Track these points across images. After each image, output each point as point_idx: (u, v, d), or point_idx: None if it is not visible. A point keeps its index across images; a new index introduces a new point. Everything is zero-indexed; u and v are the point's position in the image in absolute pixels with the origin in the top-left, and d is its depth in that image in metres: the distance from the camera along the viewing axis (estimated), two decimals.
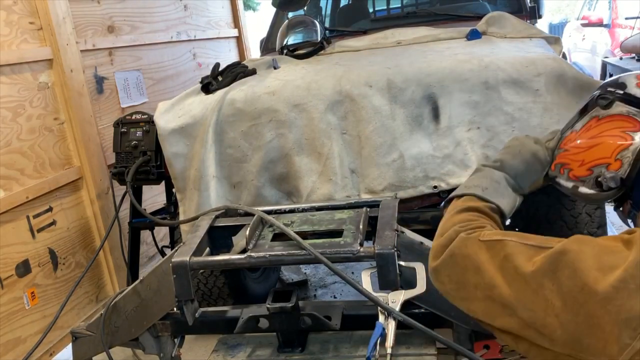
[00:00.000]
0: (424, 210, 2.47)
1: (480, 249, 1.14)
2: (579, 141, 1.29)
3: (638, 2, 5.31)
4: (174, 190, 2.58)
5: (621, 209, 1.31)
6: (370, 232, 1.97)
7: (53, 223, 2.75)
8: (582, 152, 1.26)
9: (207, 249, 2.02)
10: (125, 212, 2.89)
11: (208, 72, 2.75)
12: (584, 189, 1.28)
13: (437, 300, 1.82)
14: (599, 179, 1.23)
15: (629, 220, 1.31)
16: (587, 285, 0.92)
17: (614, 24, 6.49)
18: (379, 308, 1.63)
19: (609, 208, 4.17)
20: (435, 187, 2.22)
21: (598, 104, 1.25)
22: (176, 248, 2.03)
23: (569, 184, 1.33)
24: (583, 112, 1.32)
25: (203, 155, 2.35)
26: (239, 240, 2.10)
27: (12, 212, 2.50)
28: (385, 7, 4.09)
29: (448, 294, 1.21)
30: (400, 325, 1.60)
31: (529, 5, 3.48)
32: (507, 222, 2.51)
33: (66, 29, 2.87)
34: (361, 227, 1.89)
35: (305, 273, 3.61)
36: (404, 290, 1.69)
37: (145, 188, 2.90)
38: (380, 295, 1.67)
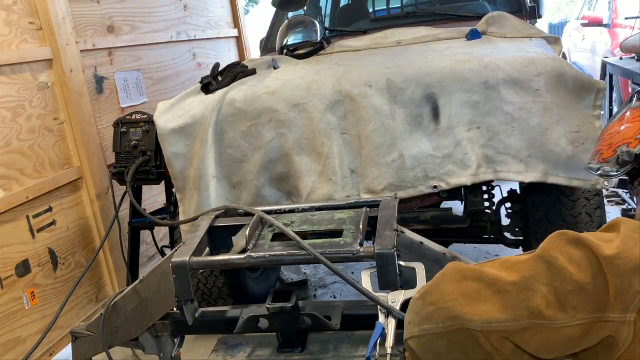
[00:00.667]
0: (424, 210, 2.47)
1: (473, 264, 1.17)
2: (613, 129, 1.39)
3: (638, 2, 5.31)
4: (174, 190, 2.58)
5: (631, 185, 1.38)
6: (371, 232, 1.97)
7: (53, 223, 2.75)
8: (613, 137, 1.35)
9: (207, 249, 2.03)
10: (125, 212, 2.89)
11: (208, 72, 2.75)
12: (607, 168, 1.36)
13: None
14: (619, 156, 1.31)
15: (635, 199, 1.38)
16: (594, 248, 1.00)
17: (614, 24, 6.49)
18: (379, 308, 1.63)
19: (609, 208, 4.16)
20: (435, 187, 2.22)
21: (635, 97, 1.36)
22: (176, 248, 2.03)
23: (597, 167, 1.40)
24: (625, 106, 1.42)
25: (203, 155, 2.35)
26: (239, 241, 2.10)
27: (12, 212, 2.50)
28: (385, 7, 4.09)
29: (443, 310, 1.09)
30: (400, 325, 1.60)
31: (529, 5, 3.48)
32: (507, 222, 2.53)
33: (66, 29, 2.87)
34: (361, 227, 1.90)
35: (305, 273, 3.61)
36: (404, 291, 1.69)
37: (145, 188, 2.90)
38: (380, 296, 1.68)
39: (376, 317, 1.62)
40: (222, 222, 2.14)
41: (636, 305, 0.95)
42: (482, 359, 1.06)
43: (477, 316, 1.05)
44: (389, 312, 1.60)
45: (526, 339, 1.03)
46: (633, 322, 0.95)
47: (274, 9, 3.90)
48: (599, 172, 1.40)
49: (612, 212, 3.90)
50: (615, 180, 1.34)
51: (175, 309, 2.00)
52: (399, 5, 4.18)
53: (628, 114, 1.35)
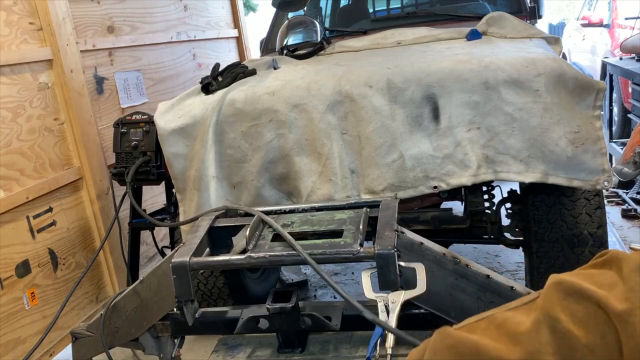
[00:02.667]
0: (424, 210, 2.47)
1: (464, 331, 0.95)
2: (637, 128, 1.37)
3: (638, 2, 5.31)
4: (174, 190, 2.58)
5: None
6: (371, 233, 1.97)
7: (53, 223, 2.75)
8: (634, 136, 1.33)
9: (207, 249, 2.03)
10: (125, 212, 2.89)
11: (208, 73, 2.75)
12: (625, 169, 1.33)
13: (437, 300, 1.83)
14: (634, 157, 1.28)
15: None
16: (600, 302, 0.85)
17: (613, 24, 6.50)
18: (379, 308, 1.63)
19: (609, 208, 4.16)
20: (435, 187, 2.22)
21: None
22: (176, 248, 2.03)
23: (620, 167, 1.38)
24: None
25: (203, 156, 2.35)
26: (239, 241, 2.11)
27: (12, 213, 2.50)
28: (385, 8, 4.09)
29: None
30: (400, 326, 1.60)
31: (529, 5, 3.48)
32: (507, 222, 2.53)
33: (66, 29, 2.87)
34: (361, 227, 1.90)
35: (305, 273, 3.61)
36: (404, 291, 1.69)
37: (145, 188, 2.90)
38: (380, 296, 1.68)
39: None
40: (222, 223, 2.14)
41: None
42: None
43: None
44: (378, 324, 1.58)
45: None
46: None
47: (273, 10, 3.90)
48: (620, 173, 1.34)
49: (612, 212, 3.90)
50: (615, 181, 1.30)
51: (175, 309, 2.01)
52: (399, 6, 4.18)
53: None
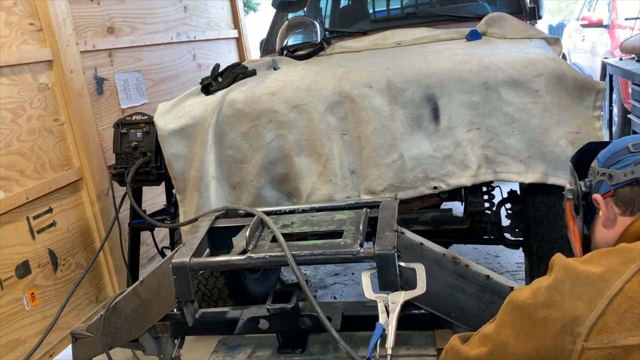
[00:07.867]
0: (424, 211, 2.47)
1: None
2: None
3: (638, 3, 5.32)
4: (174, 191, 2.59)
5: None
6: (371, 233, 1.97)
7: (53, 224, 2.75)
8: None
9: (207, 249, 2.03)
10: (125, 213, 2.89)
11: (208, 73, 2.75)
12: None
13: (437, 301, 1.83)
14: None
15: None
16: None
17: (613, 25, 6.49)
18: (379, 308, 1.63)
19: None
20: (435, 187, 2.22)
21: None
22: (176, 249, 2.03)
23: None
24: None
25: (203, 156, 2.35)
26: (239, 241, 2.11)
27: (12, 213, 2.50)
28: (385, 8, 4.09)
29: None
30: (400, 326, 1.60)
31: (529, 6, 3.49)
32: (507, 223, 2.53)
33: (66, 30, 2.87)
34: (361, 227, 1.90)
35: (305, 274, 3.61)
36: (404, 291, 1.69)
37: (145, 189, 2.90)
38: (380, 296, 1.68)
39: (376, 318, 1.62)
40: (222, 223, 2.14)
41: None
42: None
43: None
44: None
45: None
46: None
47: (274, 10, 3.90)
48: None
49: None
50: None
51: (175, 309, 2.01)
52: (399, 6, 4.18)
53: None
